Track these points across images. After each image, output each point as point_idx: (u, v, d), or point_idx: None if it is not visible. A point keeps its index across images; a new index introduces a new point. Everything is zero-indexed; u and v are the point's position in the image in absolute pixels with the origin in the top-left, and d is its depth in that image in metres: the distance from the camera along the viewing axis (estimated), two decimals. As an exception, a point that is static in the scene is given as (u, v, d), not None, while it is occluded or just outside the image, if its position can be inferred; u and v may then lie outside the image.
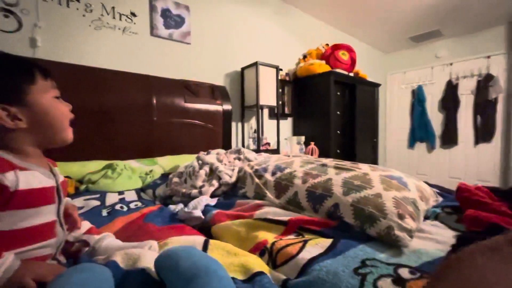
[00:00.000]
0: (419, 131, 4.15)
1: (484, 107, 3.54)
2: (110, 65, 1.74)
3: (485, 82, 3.52)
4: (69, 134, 0.55)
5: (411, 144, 4.30)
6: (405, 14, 3.12)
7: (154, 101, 1.81)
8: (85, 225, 0.63)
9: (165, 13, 2.00)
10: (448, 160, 3.89)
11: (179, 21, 2.08)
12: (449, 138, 3.85)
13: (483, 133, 3.58)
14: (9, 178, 0.43)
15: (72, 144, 0.58)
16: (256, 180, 1.00)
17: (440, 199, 0.94)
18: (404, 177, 0.85)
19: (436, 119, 4.03)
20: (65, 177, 0.77)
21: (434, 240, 0.63)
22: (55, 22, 1.56)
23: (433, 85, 4.05)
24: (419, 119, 4.15)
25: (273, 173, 0.99)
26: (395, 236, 0.60)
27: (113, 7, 1.77)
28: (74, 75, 1.52)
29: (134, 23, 1.87)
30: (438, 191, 1.00)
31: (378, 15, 3.16)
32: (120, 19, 1.81)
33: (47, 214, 0.49)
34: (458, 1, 2.82)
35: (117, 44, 1.80)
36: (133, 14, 1.87)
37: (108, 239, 0.61)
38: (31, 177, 0.47)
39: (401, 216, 0.64)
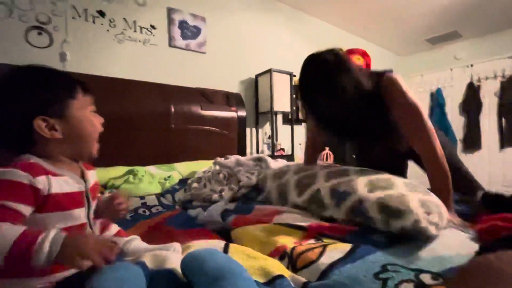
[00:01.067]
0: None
1: (509, 110, 3.38)
2: (131, 76, 1.83)
3: (509, 83, 3.37)
4: (95, 150, 0.59)
5: (431, 149, 4.16)
6: (421, 16, 3.07)
7: (172, 109, 1.88)
8: (114, 227, 0.67)
9: (182, 25, 2.09)
10: (471, 165, 3.65)
11: (195, 32, 2.16)
12: (472, 142, 3.69)
13: (509, 137, 3.41)
14: (41, 181, 0.46)
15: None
16: (277, 180, 1.02)
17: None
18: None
19: (457, 123, 3.89)
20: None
21: (456, 246, 0.62)
22: (82, 37, 1.68)
23: (453, 88, 3.92)
24: (439, 123, 4.01)
25: (295, 173, 1.00)
26: (422, 228, 0.61)
27: (134, 21, 1.88)
28: (98, 85, 1.61)
29: (154, 35, 1.97)
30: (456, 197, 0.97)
31: (393, 18, 3.13)
32: (141, 32, 1.91)
33: (77, 217, 0.53)
34: (476, 2, 2.75)
35: (138, 55, 1.90)
36: (153, 27, 1.96)
37: (135, 241, 0.64)
38: (62, 182, 0.51)
39: (427, 213, 0.66)
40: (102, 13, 1.75)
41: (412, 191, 0.74)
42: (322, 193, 0.85)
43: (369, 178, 0.84)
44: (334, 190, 0.83)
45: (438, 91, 4.02)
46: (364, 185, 0.80)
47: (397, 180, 0.82)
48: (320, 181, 0.89)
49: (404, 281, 0.48)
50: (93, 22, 1.72)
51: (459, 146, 3.86)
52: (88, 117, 0.57)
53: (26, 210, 0.44)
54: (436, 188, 0.84)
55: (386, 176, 0.86)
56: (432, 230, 0.63)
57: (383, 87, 0.91)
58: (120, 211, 0.62)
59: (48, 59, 1.56)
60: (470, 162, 3.74)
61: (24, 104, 0.49)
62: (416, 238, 0.64)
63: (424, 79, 4.26)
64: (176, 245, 0.63)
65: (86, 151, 0.58)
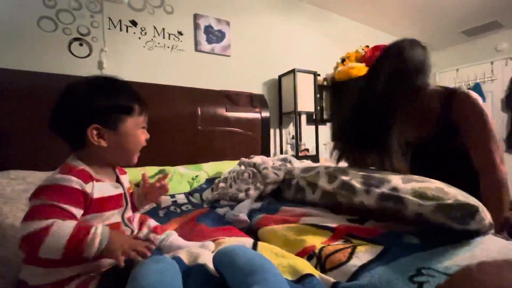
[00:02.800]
0: (478, 134, 3.71)
1: (561, 105, 3.05)
2: (161, 80, 1.92)
3: (561, 76, 3.04)
4: (134, 159, 0.65)
5: (468, 149, 3.86)
6: (455, 7, 2.87)
7: (199, 112, 1.95)
8: (152, 222, 0.73)
9: (208, 30, 2.16)
10: (516, 166, 3.40)
11: (220, 36, 2.22)
12: (517, 141, 3.37)
13: (562, 135, 3.07)
14: (89, 187, 0.52)
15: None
16: (306, 172, 1.02)
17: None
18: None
19: (499, 120, 3.58)
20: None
21: (494, 252, 0.58)
22: (117, 46, 1.80)
23: (494, 82, 3.62)
24: (477, 121, 3.72)
25: (325, 168, 1.00)
26: (468, 206, 0.60)
27: (163, 28, 1.97)
28: (132, 91, 1.72)
29: (181, 41, 2.05)
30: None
31: (424, 11, 2.96)
32: (169, 38, 2.00)
33: (113, 217, 0.58)
34: (522, -13, 2.52)
35: (166, 61, 1.99)
36: (180, 33, 2.05)
37: (171, 238, 0.69)
38: (103, 187, 0.56)
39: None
40: (134, 23, 1.86)
41: (451, 188, 0.72)
42: (353, 181, 0.84)
43: (404, 176, 0.81)
44: (367, 178, 0.82)
45: (477, 86, 3.72)
46: (400, 178, 0.78)
47: (435, 181, 0.78)
48: (352, 173, 0.89)
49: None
50: (126, 31, 1.84)
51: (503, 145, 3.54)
52: (136, 134, 0.62)
53: (77, 212, 0.50)
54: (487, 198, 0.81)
55: (422, 177, 0.83)
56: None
57: (457, 104, 0.94)
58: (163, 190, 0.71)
59: (88, 67, 1.69)
60: (515, 163, 3.42)
61: (86, 111, 0.55)
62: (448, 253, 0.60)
63: (460, 73, 3.98)
64: (210, 244, 0.66)
65: (123, 161, 0.63)
